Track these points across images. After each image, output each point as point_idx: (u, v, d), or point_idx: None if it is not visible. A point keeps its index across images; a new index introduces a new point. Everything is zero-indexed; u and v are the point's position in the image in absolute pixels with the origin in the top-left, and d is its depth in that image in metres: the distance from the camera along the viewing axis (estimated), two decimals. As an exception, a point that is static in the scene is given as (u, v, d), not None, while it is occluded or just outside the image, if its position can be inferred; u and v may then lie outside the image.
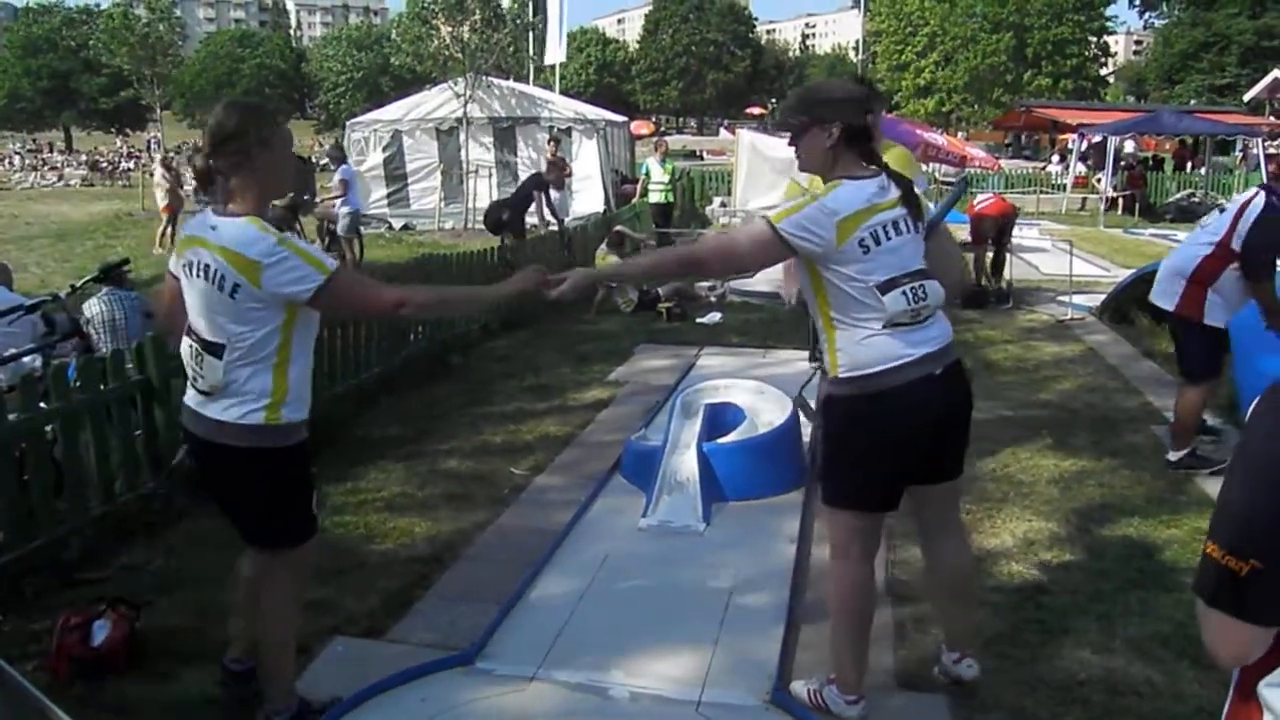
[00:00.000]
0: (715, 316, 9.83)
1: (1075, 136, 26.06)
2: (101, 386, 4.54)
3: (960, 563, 3.15)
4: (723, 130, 67.94)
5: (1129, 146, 26.52)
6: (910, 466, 2.88)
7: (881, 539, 3.10)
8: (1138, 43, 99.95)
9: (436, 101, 19.54)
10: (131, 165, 38.41)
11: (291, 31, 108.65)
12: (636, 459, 5.18)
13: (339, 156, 15.23)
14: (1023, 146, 42.71)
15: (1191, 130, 24.29)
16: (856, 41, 70.89)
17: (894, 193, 2.81)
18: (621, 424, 6.16)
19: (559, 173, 13.87)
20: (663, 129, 64.47)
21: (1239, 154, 28.73)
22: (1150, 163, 27.09)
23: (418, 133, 19.21)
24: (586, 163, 18.88)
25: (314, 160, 25.44)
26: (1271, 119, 30.88)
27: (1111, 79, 70.00)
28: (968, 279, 9.87)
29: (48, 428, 4.30)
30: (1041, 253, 14.25)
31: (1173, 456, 5.29)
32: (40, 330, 5.88)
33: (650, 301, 10.18)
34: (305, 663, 3.32)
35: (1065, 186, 24.86)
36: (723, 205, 20.56)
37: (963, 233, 10.37)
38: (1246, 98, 34.04)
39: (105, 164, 40.17)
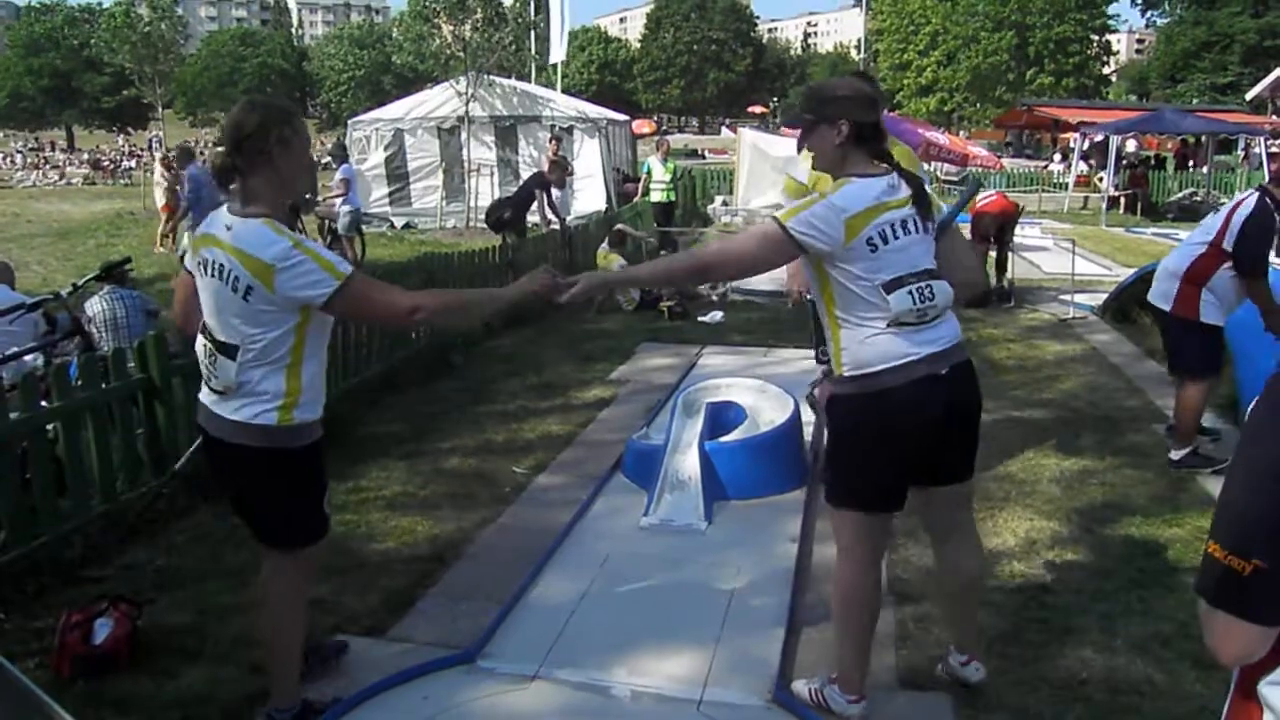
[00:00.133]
0: (717, 315, 9.82)
1: (1077, 135, 26.06)
2: (103, 385, 4.54)
3: (968, 566, 3.11)
4: (724, 129, 67.99)
5: (1131, 145, 26.50)
6: (914, 466, 2.87)
7: (883, 543, 3.07)
8: (1140, 41, 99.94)
9: (438, 100, 19.54)
10: (133, 164, 38.45)
11: (293, 30, 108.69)
12: (638, 458, 5.18)
13: (340, 155, 15.25)
14: (1024, 145, 42.69)
15: (1193, 129, 24.27)
16: (858, 40, 70.90)
17: (904, 191, 2.80)
18: (623, 423, 6.16)
19: (560, 172, 13.86)
20: (664, 128, 64.57)
21: (1241, 153, 28.70)
22: (1152, 161, 27.06)
23: (419, 131, 19.21)
24: (588, 161, 18.88)
25: (316, 159, 25.44)
26: (1274, 118, 30.83)
27: (1114, 78, 69.96)
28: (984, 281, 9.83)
29: (49, 426, 4.30)
30: (1043, 251, 14.25)
31: (1175, 455, 5.29)
32: (42, 329, 5.88)
33: (652, 300, 10.18)
34: (307, 661, 3.31)
35: (1067, 185, 24.87)
36: (724, 204, 20.59)
37: (964, 230, 10.35)
38: (1249, 96, 34.01)
39: (107, 163, 40.22)
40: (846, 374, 2.83)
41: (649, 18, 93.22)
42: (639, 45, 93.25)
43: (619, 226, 11.59)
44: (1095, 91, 57.16)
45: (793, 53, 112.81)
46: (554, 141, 16.57)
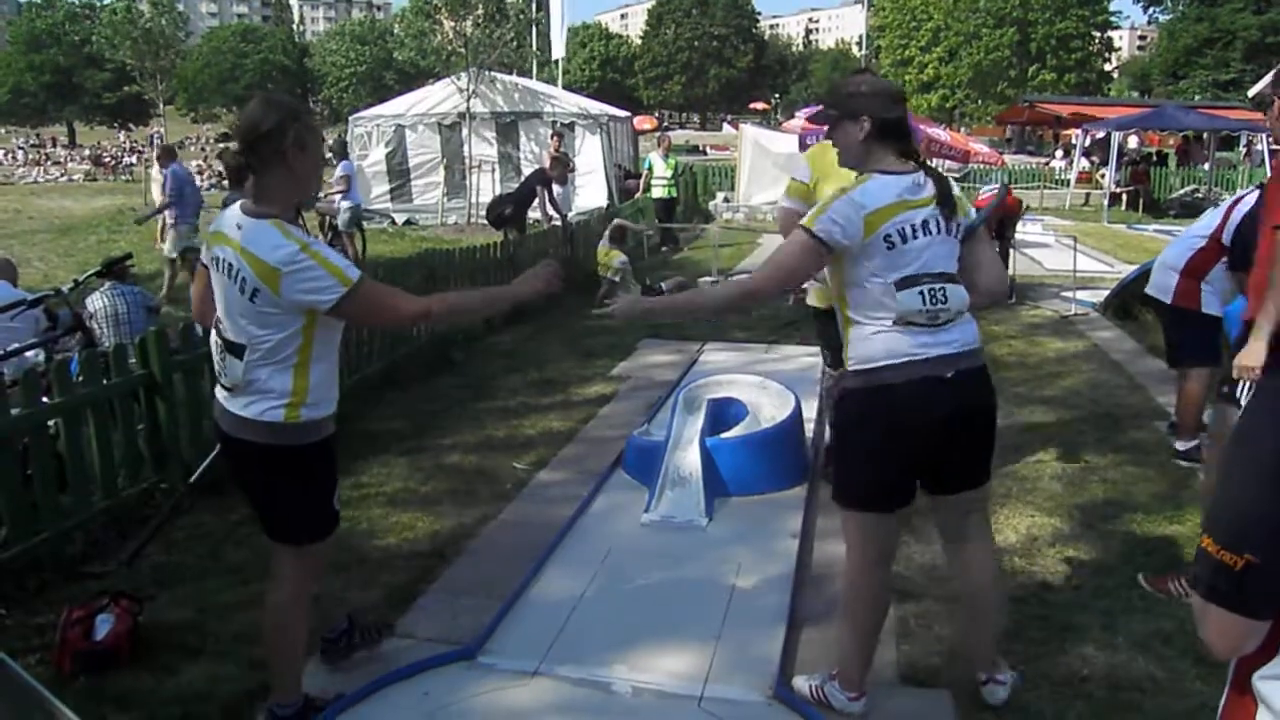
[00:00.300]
0: (718, 312, 9.79)
1: (1079, 132, 26.01)
2: (104, 381, 4.54)
3: (977, 575, 3.04)
4: (726, 125, 67.93)
5: (1133, 142, 26.46)
6: (917, 466, 2.85)
7: (889, 544, 3.02)
8: (1142, 38, 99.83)
9: (439, 96, 19.54)
10: (134, 160, 38.48)
11: (295, 26, 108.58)
12: (639, 454, 5.18)
13: (340, 152, 15.23)
14: (1026, 142, 42.64)
15: (1195, 126, 24.23)
16: (860, 36, 70.81)
17: (928, 190, 2.77)
18: (624, 419, 6.16)
19: (562, 168, 13.86)
20: (666, 124, 64.50)
21: (1243, 149, 28.65)
22: (1154, 158, 27.03)
23: (420, 127, 19.21)
24: (590, 158, 18.87)
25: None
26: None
27: (1115, 74, 69.90)
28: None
29: (51, 422, 4.30)
30: (1045, 248, 14.24)
31: (1180, 446, 5.34)
32: (43, 325, 5.89)
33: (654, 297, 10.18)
34: (308, 657, 3.31)
35: (1069, 182, 24.83)
36: (726, 200, 20.59)
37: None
38: (1250, 93, 33.86)
39: (108, 159, 40.27)
40: (851, 369, 2.83)
41: (650, 14, 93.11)
42: (640, 41, 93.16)
43: (617, 221, 11.60)
44: (1097, 88, 57.08)
45: (794, 49, 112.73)
46: (555, 138, 16.56)
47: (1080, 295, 10.03)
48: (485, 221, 14.31)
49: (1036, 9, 54.97)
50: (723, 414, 5.33)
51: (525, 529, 4.54)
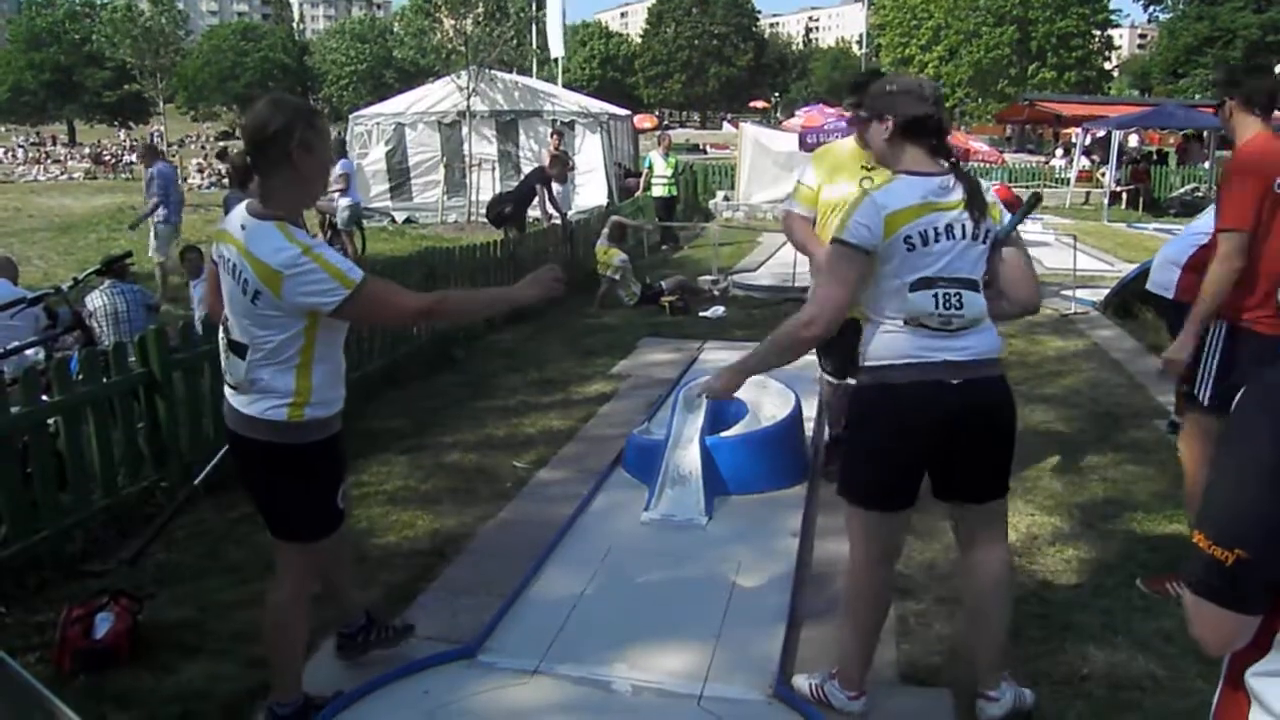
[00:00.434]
0: (718, 311, 9.82)
1: (1079, 130, 26.00)
2: (104, 379, 4.54)
3: (977, 582, 2.99)
4: (726, 124, 67.91)
5: (1133, 140, 26.44)
6: (918, 469, 2.82)
7: (891, 542, 2.99)
8: (1142, 36, 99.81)
9: (439, 95, 19.54)
10: (134, 158, 38.45)
11: (294, 24, 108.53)
12: (639, 453, 5.18)
13: (339, 150, 15.24)
14: (1026, 140, 42.62)
15: (1196, 124, 24.21)
16: (860, 35, 70.78)
17: (957, 194, 2.73)
18: (624, 418, 6.16)
19: (561, 167, 13.86)
20: (666, 122, 64.46)
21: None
22: (1154, 157, 27.02)
23: (420, 126, 19.21)
24: (590, 156, 18.88)
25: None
26: (1276, 114, 30.74)
27: (1116, 73, 69.89)
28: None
29: (50, 421, 4.30)
30: (1045, 247, 14.20)
31: (1179, 420, 5.33)
32: (43, 323, 5.90)
33: (654, 295, 10.18)
34: (308, 656, 3.31)
35: (1069, 181, 24.82)
36: (726, 199, 20.59)
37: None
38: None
39: (108, 157, 40.23)
40: (863, 365, 2.83)
41: (650, 12, 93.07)
42: (640, 40, 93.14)
43: (615, 218, 11.60)
44: (1097, 86, 57.07)
45: (794, 48, 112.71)
46: (555, 136, 16.56)
47: (1080, 294, 10.03)
48: (485, 220, 14.31)
49: (1037, 7, 54.96)
50: (723, 412, 5.32)
51: (525, 528, 4.54)
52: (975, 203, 2.73)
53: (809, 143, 14.32)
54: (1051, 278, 11.65)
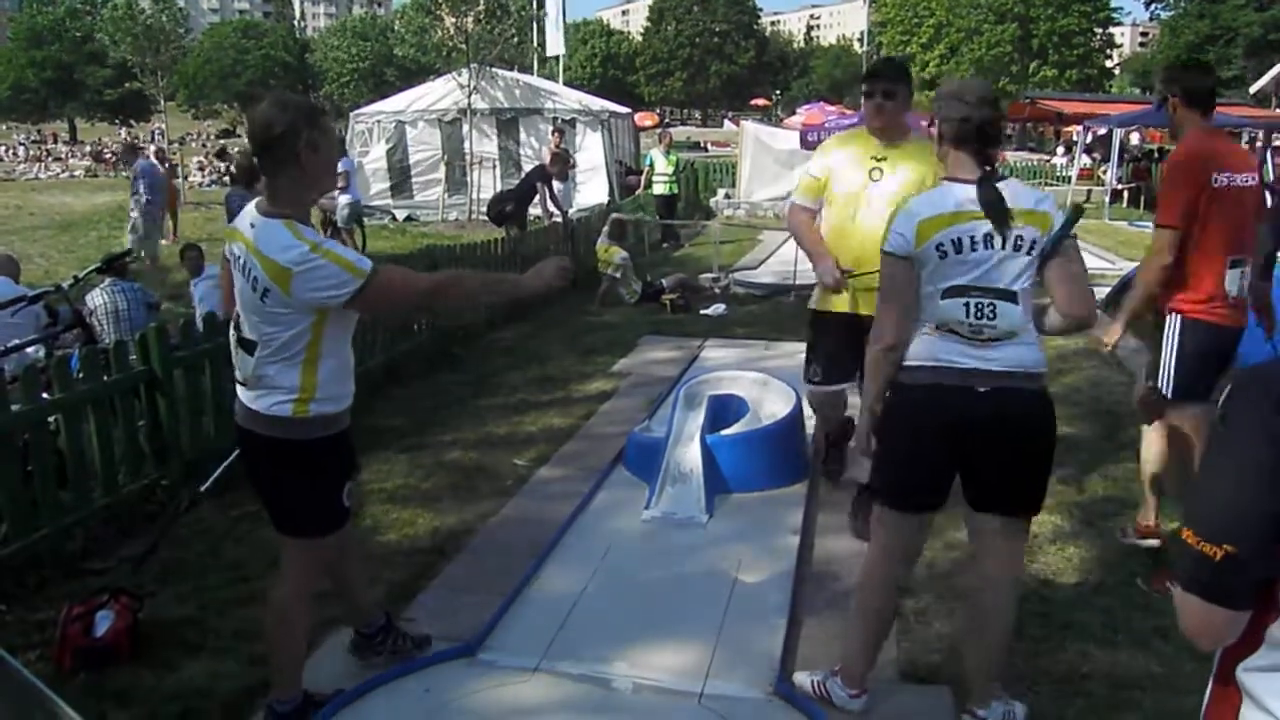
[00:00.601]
0: (719, 309, 9.82)
1: (1080, 128, 25.97)
2: (104, 377, 4.54)
3: (984, 598, 2.94)
4: (727, 122, 67.89)
5: (1134, 139, 26.41)
6: (937, 474, 2.81)
7: (905, 542, 2.97)
8: (1143, 34, 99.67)
9: (440, 92, 19.53)
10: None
11: (296, 22, 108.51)
12: (640, 450, 5.18)
13: (339, 149, 15.24)
14: (1027, 138, 42.59)
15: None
16: (862, 33, 70.72)
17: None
18: (625, 416, 6.16)
19: (562, 165, 13.85)
20: (667, 120, 64.43)
21: (1245, 146, 28.61)
22: (1156, 155, 26.99)
23: (421, 124, 19.19)
24: (591, 154, 18.87)
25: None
26: (1278, 111, 30.75)
27: (1117, 71, 69.83)
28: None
29: (51, 419, 4.30)
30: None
31: None
32: (43, 321, 5.89)
33: (655, 293, 10.18)
34: (309, 653, 3.32)
35: (1070, 179, 24.79)
36: (727, 197, 20.57)
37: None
38: (1252, 90, 33.89)
39: (109, 155, 40.19)
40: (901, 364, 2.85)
41: (651, 10, 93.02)
42: (641, 38, 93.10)
43: (615, 216, 11.59)
44: (1099, 84, 57.05)
45: (795, 45, 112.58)
46: (556, 134, 16.55)
47: (1081, 292, 10.00)
48: (486, 218, 14.31)
49: (1038, 5, 54.96)
50: (723, 410, 5.33)
51: (526, 526, 4.54)
52: (993, 214, 2.67)
53: (810, 140, 14.33)
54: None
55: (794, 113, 34.60)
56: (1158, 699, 3.11)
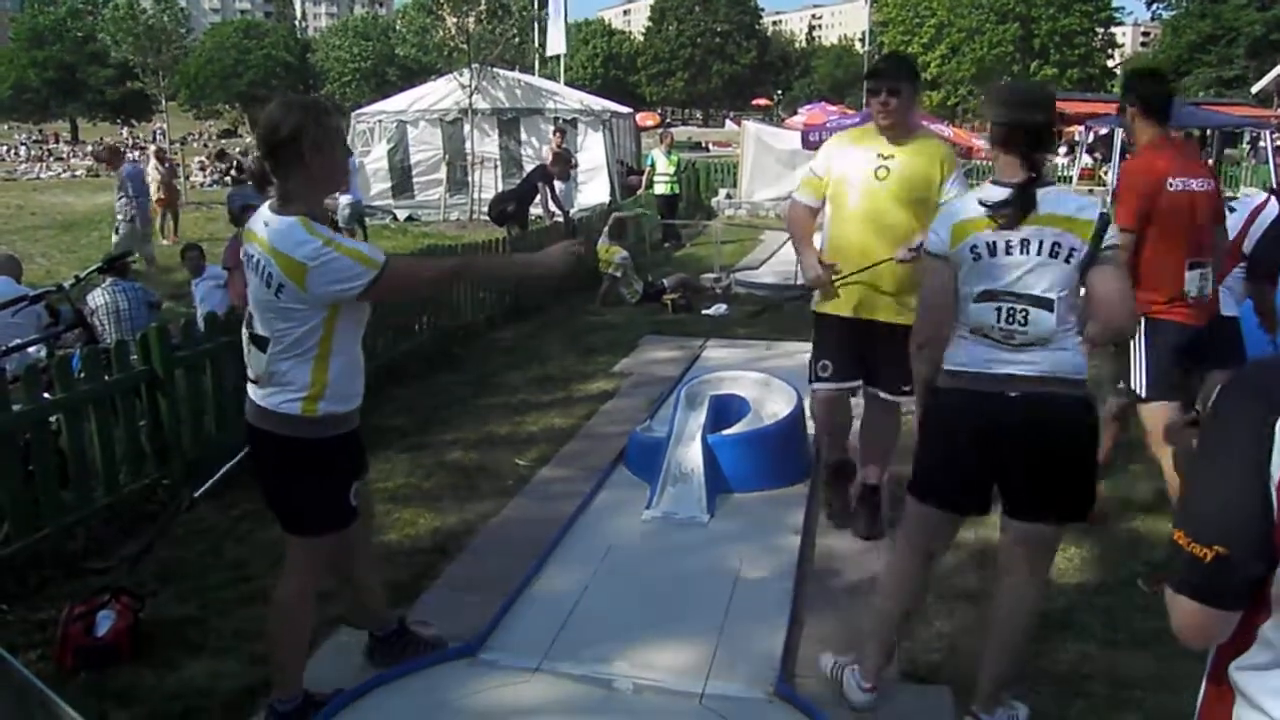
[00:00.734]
0: (721, 309, 9.82)
1: (1082, 128, 25.96)
2: (106, 377, 4.54)
3: (1001, 607, 2.93)
4: (728, 122, 67.87)
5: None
6: (963, 475, 2.82)
7: (929, 537, 2.99)
8: (1145, 34, 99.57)
9: (441, 92, 19.52)
10: (137, 156, 38.44)
11: (297, 22, 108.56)
12: (641, 450, 5.18)
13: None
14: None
15: (1199, 122, 24.16)
16: (863, 33, 70.70)
17: (1040, 209, 2.66)
18: (626, 415, 6.16)
19: (563, 165, 13.85)
20: (668, 120, 64.44)
21: (1247, 146, 28.59)
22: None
23: (422, 124, 19.18)
24: (593, 154, 18.85)
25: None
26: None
27: (1118, 70, 69.79)
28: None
29: (52, 418, 4.30)
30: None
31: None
32: (45, 321, 5.90)
33: (656, 293, 10.18)
34: (309, 653, 3.32)
35: (1072, 179, 24.78)
36: (728, 197, 20.57)
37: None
38: (1255, 90, 33.85)
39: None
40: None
41: (653, 10, 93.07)
42: (643, 38, 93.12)
43: (616, 214, 11.58)
44: (1100, 84, 56.98)
45: (797, 45, 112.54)
46: (558, 134, 16.55)
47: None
48: (487, 218, 14.31)
49: (1040, 5, 54.95)
50: (725, 410, 5.32)
51: (527, 525, 4.54)
52: (1011, 213, 2.66)
53: (811, 140, 14.32)
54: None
55: (795, 113, 34.52)
56: (1159, 700, 3.10)
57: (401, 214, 18.76)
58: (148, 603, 3.63)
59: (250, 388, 2.88)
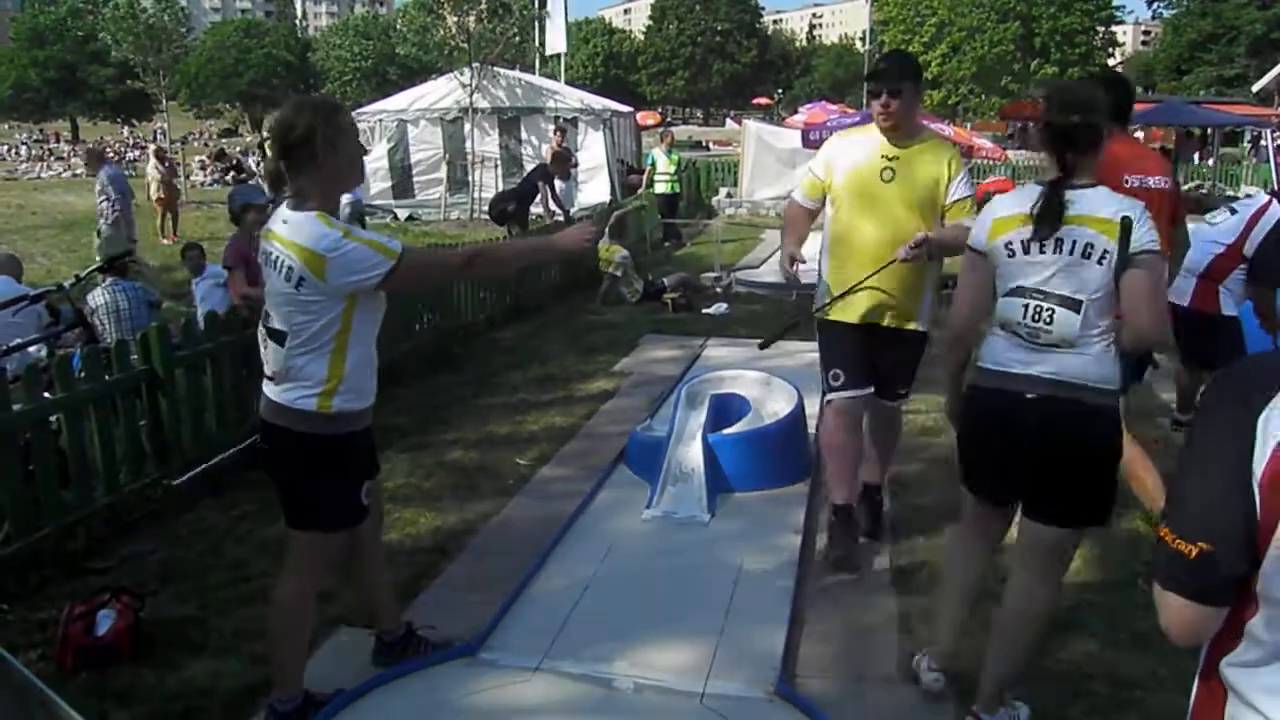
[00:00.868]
0: (721, 308, 9.81)
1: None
2: (106, 377, 4.54)
3: (1006, 605, 2.93)
4: (729, 121, 67.85)
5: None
6: (985, 467, 2.93)
7: (984, 523, 3.05)
8: (1146, 33, 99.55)
9: (442, 91, 19.51)
10: (137, 155, 38.48)
11: (298, 21, 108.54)
12: (641, 450, 5.17)
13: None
14: (1029, 137, 42.51)
15: (1199, 121, 24.15)
16: (864, 32, 70.66)
17: (1075, 208, 2.64)
18: (627, 415, 6.16)
19: (564, 164, 13.84)
20: (669, 119, 64.43)
21: (1248, 145, 28.58)
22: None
23: (423, 123, 19.16)
24: (593, 153, 18.84)
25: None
26: (1280, 110, 30.70)
27: (1119, 69, 69.78)
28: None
29: (53, 418, 4.30)
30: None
31: (1183, 418, 5.63)
32: (45, 320, 5.90)
33: (656, 292, 10.18)
34: (309, 653, 3.31)
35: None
36: (729, 196, 20.57)
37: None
38: (1255, 88, 33.83)
39: (111, 154, 40.19)
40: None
41: (653, 9, 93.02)
42: (643, 37, 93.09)
43: (616, 212, 11.57)
44: (1101, 83, 56.88)
45: (797, 44, 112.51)
46: (558, 133, 16.54)
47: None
48: (488, 217, 14.30)
49: (1040, 3, 54.89)
50: (725, 409, 5.32)
51: (527, 525, 4.54)
52: (1038, 216, 2.66)
53: (812, 139, 14.30)
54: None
55: (796, 112, 34.48)
56: (1160, 699, 3.10)
57: (402, 213, 18.74)
58: (148, 602, 3.63)
59: (265, 384, 2.90)
